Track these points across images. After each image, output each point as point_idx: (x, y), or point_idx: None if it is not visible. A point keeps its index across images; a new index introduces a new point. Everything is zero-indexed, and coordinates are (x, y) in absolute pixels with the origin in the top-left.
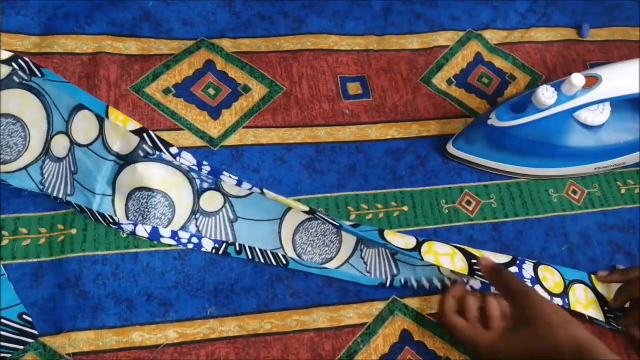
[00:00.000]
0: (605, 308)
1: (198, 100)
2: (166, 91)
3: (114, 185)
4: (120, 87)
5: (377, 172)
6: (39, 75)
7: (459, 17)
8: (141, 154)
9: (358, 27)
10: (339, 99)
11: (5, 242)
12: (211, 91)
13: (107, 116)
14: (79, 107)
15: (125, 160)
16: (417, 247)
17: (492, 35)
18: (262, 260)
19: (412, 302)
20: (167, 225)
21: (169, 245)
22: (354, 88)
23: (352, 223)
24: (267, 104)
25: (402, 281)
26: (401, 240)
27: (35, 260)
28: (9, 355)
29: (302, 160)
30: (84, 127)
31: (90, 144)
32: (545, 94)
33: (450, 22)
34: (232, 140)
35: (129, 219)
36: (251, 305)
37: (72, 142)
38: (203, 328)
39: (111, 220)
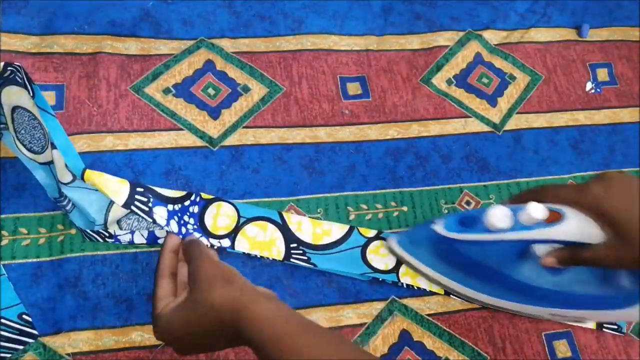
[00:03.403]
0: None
1: (198, 101)
2: (166, 91)
3: (107, 212)
4: (120, 87)
5: (377, 172)
6: (30, 92)
7: (459, 17)
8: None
9: (358, 27)
10: (339, 99)
11: (5, 242)
12: (211, 91)
13: (82, 178)
14: (53, 145)
15: None
16: (396, 269)
17: (492, 36)
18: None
19: (412, 303)
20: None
21: None
22: (353, 88)
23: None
24: (266, 104)
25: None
26: (382, 259)
27: (35, 260)
28: (9, 355)
29: (302, 161)
30: (58, 166)
31: (70, 182)
32: (498, 215)
33: (450, 22)
34: (232, 140)
35: (124, 228)
36: None
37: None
38: None
39: (107, 235)
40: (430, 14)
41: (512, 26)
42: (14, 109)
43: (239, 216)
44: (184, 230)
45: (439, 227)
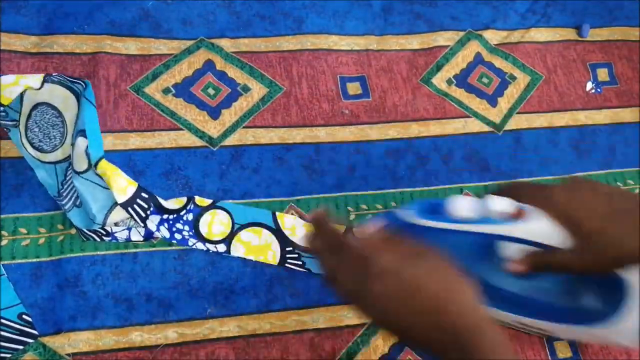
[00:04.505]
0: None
1: (198, 100)
2: (166, 91)
3: (108, 213)
4: (120, 87)
5: (377, 172)
6: (82, 84)
7: (459, 17)
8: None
9: (358, 27)
10: (339, 99)
11: (4, 242)
12: (211, 91)
13: (95, 167)
14: (82, 133)
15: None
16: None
17: (492, 36)
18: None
19: None
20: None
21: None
22: (353, 88)
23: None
24: (266, 104)
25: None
26: None
27: (34, 260)
28: (8, 355)
29: (302, 161)
30: (79, 154)
31: (84, 172)
32: (464, 204)
33: (450, 22)
34: (232, 140)
35: (120, 225)
36: (251, 305)
37: (73, 169)
38: (203, 328)
39: (104, 233)
40: (430, 14)
41: (512, 26)
42: (36, 105)
43: (233, 223)
44: (178, 236)
45: (403, 213)
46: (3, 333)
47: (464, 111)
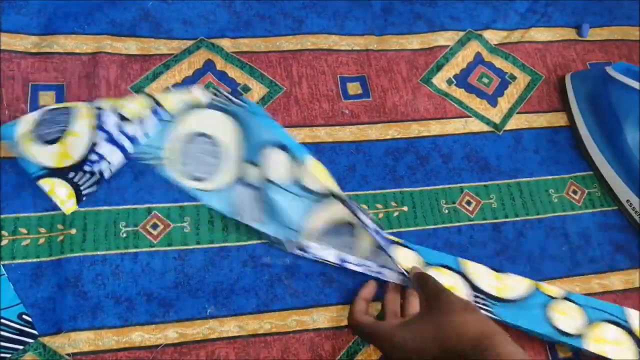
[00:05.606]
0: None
1: None
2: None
3: (306, 222)
4: (120, 87)
5: (377, 172)
6: (241, 104)
7: (459, 17)
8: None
9: (358, 27)
10: (339, 99)
11: (5, 242)
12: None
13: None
14: (273, 144)
15: (324, 196)
16: (582, 334)
17: (492, 36)
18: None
19: None
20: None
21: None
22: (354, 88)
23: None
24: (267, 104)
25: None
26: (569, 322)
27: (34, 260)
28: (8, 355)
29: None
30: (276, 165)
31: (284, 184)
32: None
33: (450, 22)
34: None
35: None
36: (251, 305)
37: (265, 178)
38: (203, 328)
39: (299, 245)
40: (430, 14)
41: (512, 26)
42: (192, 137)
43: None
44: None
45: (610, 69)
46: (3, 333)
47: (464, 111)
